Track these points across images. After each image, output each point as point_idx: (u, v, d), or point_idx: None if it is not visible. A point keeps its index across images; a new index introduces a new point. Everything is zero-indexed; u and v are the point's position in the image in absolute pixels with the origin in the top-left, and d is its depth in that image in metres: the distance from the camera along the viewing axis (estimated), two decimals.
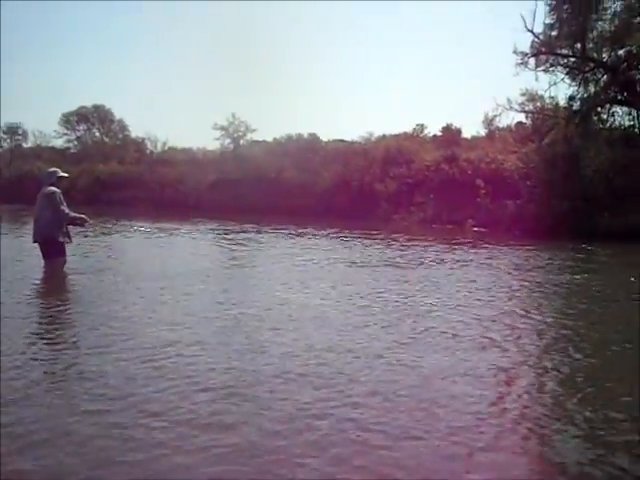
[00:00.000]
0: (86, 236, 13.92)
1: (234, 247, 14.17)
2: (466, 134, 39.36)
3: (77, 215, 9.49)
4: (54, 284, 8.81)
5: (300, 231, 17.85)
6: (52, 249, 9.22)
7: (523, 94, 22.84)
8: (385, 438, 3.59)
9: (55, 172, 9.57)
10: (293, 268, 10.49)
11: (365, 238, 15.99)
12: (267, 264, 11.14)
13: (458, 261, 11.71)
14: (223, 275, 10.02)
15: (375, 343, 5.62)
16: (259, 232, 17.72)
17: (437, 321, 6.53)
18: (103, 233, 16.48)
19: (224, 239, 16.08)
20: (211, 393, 4.26)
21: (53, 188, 9.27)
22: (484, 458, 3.39)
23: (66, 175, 9.90)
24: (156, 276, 9.27)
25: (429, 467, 3.28)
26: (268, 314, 6.77)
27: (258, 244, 14.88)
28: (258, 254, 13.11)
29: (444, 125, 42.58)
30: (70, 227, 9.52)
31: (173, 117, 68.09)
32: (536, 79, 23.32)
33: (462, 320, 6.56)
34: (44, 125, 65.04)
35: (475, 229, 19.89)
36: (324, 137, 34.50)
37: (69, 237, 9.48)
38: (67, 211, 9.26)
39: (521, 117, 27.24)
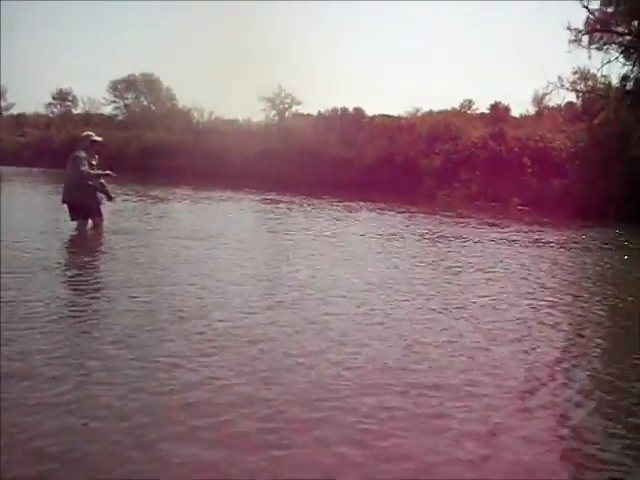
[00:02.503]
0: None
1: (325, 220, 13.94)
2: (515, 112, 38.54)
3: (101, 172, 9.46)
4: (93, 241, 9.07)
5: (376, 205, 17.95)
6: (75, 209, 9.39)
7: (575, 72, 22.44)
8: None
9: (88, 136, 9.60)
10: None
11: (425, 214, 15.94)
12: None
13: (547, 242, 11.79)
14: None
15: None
16: (331, 204, 17.74)
17: None
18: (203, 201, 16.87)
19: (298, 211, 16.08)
20: None
21: (78, 152, 9.29)
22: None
23: (99, 139, 9.78)
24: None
25: None
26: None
27: (342, 218, 14.67)
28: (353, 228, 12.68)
29: (492, 102, 41.65)
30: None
31: (219, 87, 68.21)
32: (589, 57, 22.87)
33: None
34: (93, 92, 65.84)
35: (520, 207, 19.82)
36: (370, 111, 34.16)
37: (108, 195, 9.66)
38: (88, 170, 9.19)
39: (572, 96, 26.70)
